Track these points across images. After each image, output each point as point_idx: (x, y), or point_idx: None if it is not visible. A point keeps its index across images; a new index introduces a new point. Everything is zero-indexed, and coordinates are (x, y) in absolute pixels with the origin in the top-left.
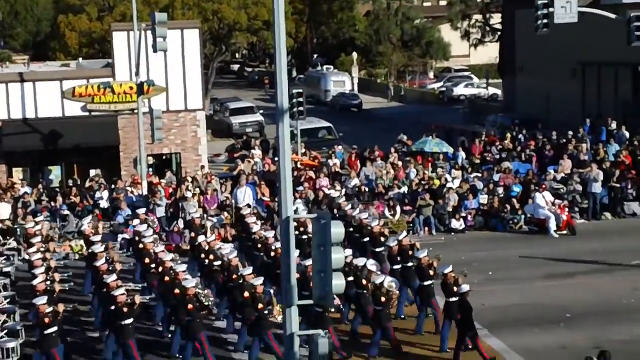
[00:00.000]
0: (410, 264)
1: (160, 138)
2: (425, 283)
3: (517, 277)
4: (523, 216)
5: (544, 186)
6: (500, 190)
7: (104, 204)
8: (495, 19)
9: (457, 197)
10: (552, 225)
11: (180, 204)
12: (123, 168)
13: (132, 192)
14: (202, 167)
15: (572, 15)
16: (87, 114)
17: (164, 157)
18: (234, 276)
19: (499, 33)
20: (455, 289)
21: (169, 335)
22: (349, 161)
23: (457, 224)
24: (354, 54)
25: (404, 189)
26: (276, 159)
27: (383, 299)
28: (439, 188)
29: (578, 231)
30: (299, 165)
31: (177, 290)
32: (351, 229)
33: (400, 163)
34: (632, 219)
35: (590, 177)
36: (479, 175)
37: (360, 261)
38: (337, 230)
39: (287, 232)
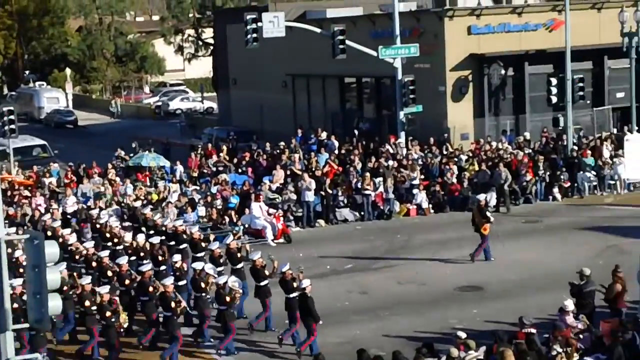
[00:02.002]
0: (239, 265)
1: None
2: (261, 283)
3: None
4: (241, 227)
5: (259, 196)
6: (219, 202)
7: None
8: (208, 34)
9: (176, 211)
10: (269, 234)
11: None
12: None
13: None
14: None
15: (280, 29)
16: None
17: None
18: (65, 288)
19: (212, 47)
20: (294, 285)
21: None
22: (66, 179)
23: None
24: (68, 70)
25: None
26: None
27: (228, 298)
28: (158, 202)
29: (294, 239)
30: (13, 185)
31: (15, 305)
32: (163, 237)
33: (118, 179)
34: (344, 224)
35: (304, 186)
36: (197, 188)
37: (198, 265)
38: (52, 250)
39: None
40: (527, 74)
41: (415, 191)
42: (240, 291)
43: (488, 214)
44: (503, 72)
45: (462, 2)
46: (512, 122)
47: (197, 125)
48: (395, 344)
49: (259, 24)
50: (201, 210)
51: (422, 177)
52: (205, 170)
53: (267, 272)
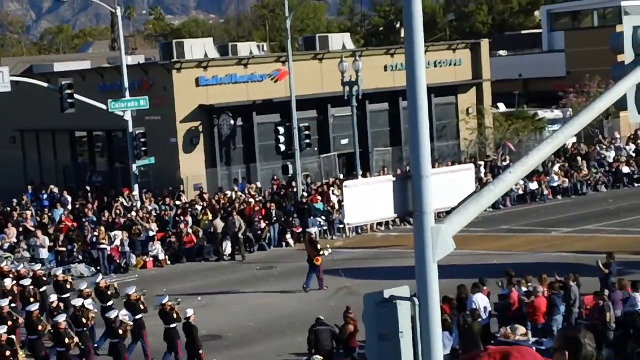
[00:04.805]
0: (109, 303)
1: None
2: (137, 317)
3: None
4: None
5: None
6: None
7: None
8: None
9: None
10: None
11: None
12: None
13: None
14: None
15: (5, 84)
16: None
17: None
18: None
19: None
20: (175, 315)
21: None
22: None
23: None
24: None
25: None
26: None
27: (120, 331)
28: None
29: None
30: None
31: None
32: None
33: None
34: (79, 280)
35: (37, 243)
36: None
37: (77, 301)
38: None
39: None
40: (255, 124)
41: (150, 243)
42: (131, 324)
43: (319, 246)
44: (232, 122)
45: (189, 54)
46: (243, 170)
47: None
48: None
49: None
50: None
51: (157, 228)
52: None
53: (141, 307)
